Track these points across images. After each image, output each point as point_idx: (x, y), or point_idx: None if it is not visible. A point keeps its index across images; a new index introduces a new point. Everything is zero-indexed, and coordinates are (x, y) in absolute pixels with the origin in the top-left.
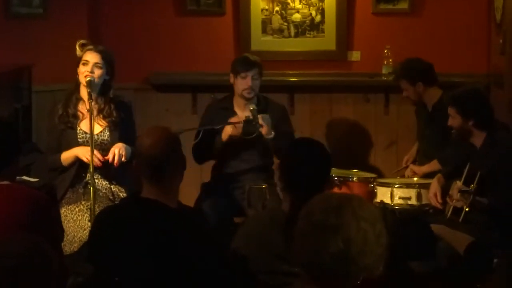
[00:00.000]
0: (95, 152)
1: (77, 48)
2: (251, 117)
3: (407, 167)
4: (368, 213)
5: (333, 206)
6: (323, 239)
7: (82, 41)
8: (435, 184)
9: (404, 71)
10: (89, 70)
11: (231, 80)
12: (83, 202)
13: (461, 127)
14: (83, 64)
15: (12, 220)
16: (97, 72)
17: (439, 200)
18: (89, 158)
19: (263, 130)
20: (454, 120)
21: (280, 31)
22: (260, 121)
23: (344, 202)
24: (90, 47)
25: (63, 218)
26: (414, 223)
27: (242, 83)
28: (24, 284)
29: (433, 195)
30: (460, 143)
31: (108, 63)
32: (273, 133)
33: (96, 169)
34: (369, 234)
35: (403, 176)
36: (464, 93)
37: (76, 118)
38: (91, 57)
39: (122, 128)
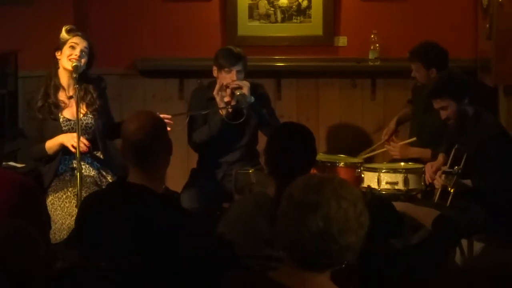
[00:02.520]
0: (81, 138)
1: (64, 32)
2: (237, 102)
3: (387, 141)
4: (349, 193)
5: (313, 184)
6: (303, 217)
7: (70, 26)
8: (439, 161)
9: (421, 54)
10: (78, 54)
11: (215, 73)
12: (70, 189)
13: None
14: (71, 47)
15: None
16: (84, 58)
17: (433, 170)
18: (75, 144)
19: (244, 90)
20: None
21: (266, 16)
22: (240, 83)
23: (324, 181)
24: (79, 32)
25: (50, 207)
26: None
27: (226, 78)
28: (8, 269)
29: (430, 165)
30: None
31: (91, 53)
32: (252, 98)
33: (83, 155)
34: (350, 213)
35: (393, 161)
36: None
37: (57, 107)
38: (80, 42)
39: (105, 111)
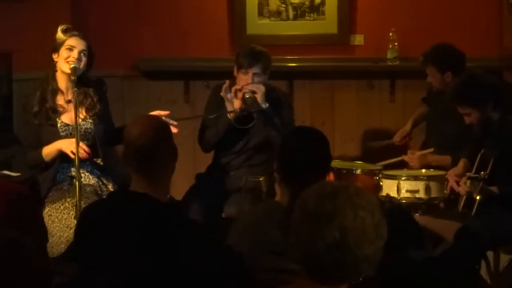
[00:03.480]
0: (80, 143)
1: (59, 32)
2: (247, 104)
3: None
4: (366, 201)
5: (328, 193)
6: (318, 229)
7: (65, 26)
8: (460, 167)
9: (434, 57)
10: (76, 56)
11: (234, 72)
12: (68, 199)
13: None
14: (68, 49)
15: None
16: (83, 60)
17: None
18: (75, 151)
19: (257, 96)
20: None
21: (277, 13)
22: (253, 88)
23: (339, 190)
24: (75, 32)
25: (47, 218)
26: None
27: (243, 79)
28: (1, 284)
29: (452, 173)
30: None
31: (90, 53)
32: (266, 104)
33: (82, 162)
34: (367, 223)
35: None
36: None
37: (55, 112)
38: (77, 43)
39: (105, 116)
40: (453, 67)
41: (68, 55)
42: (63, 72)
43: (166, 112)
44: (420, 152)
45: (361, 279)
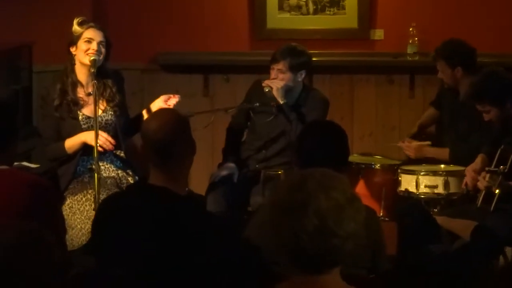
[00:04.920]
0: (105, 135)
1: (75, 25)
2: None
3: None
4: (335, 181)
5: (296, 183)
6: (295, 219)
7: (81, 18)
8: (478, 162)
9: (445, 52)
10: (95, 48)
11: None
12: (89, 191)
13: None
14: (87, 42)
15: (10, 207)
16: (103, 50)
17: (475, 176)
18: (100, 142)
19: (274, 91)
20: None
21: (298, 7)
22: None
23: (307, 177)
24: (92, 24)
25: (68, 211)
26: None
27: (271, 74)
28: (19, 276)
29: (470, 169)
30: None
31: (108, 43)
32: (284, 100)
33: (102, 155)
34: (341, 201)
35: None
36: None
37: (76, 105)
38: (95, 35)
39: (124, 107)
40: (463, 63)
41: (88, 47)
42: (83, 64)
43: (176, 97)
44: (418, 143)
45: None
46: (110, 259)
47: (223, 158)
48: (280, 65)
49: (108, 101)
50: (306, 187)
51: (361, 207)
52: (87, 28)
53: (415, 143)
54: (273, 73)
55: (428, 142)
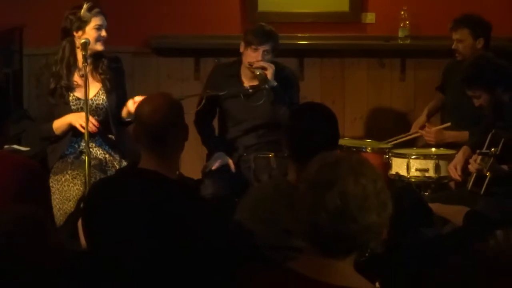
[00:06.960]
0: (89, 117)
1: (85, 11)
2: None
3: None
4: (368, 170)
5: (329, 162)
6: (319, 195)
7: (90, 3)
8: (459, 156)
9: (470, 21)
10: (104, 34)
11: (241, 48)
12: (69, 171)
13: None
14: (97, 29)
15: (4, 189)
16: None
17: (459, 173)
18: (83, 124)
19: (268, 73)
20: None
21: None
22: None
23: (342, 159)
24: (98, 10)
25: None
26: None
27: (251, 56)
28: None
29: (453, 167)
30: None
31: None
32: (275, 82)
33: (92, 137)
34: (369, 190)
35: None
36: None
37: (69, 89)
38: (102, 21)
39: (118, 92)
40: (486, 35)
41: (98, 34)
42: (90, 49)
43: None
44: (437, 127)
45: (367, 254)
46: (101, 243)
47: (208, 150)
48: (267, 46)
49: (100, 74)
50: (337, 167)
51: (388, 205)
52: (95, 15)
53: (435, 128)
54: (257, 55)
55: (448, 124)
